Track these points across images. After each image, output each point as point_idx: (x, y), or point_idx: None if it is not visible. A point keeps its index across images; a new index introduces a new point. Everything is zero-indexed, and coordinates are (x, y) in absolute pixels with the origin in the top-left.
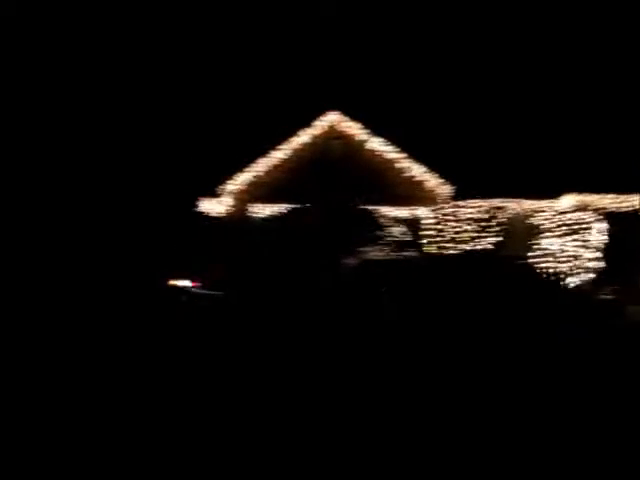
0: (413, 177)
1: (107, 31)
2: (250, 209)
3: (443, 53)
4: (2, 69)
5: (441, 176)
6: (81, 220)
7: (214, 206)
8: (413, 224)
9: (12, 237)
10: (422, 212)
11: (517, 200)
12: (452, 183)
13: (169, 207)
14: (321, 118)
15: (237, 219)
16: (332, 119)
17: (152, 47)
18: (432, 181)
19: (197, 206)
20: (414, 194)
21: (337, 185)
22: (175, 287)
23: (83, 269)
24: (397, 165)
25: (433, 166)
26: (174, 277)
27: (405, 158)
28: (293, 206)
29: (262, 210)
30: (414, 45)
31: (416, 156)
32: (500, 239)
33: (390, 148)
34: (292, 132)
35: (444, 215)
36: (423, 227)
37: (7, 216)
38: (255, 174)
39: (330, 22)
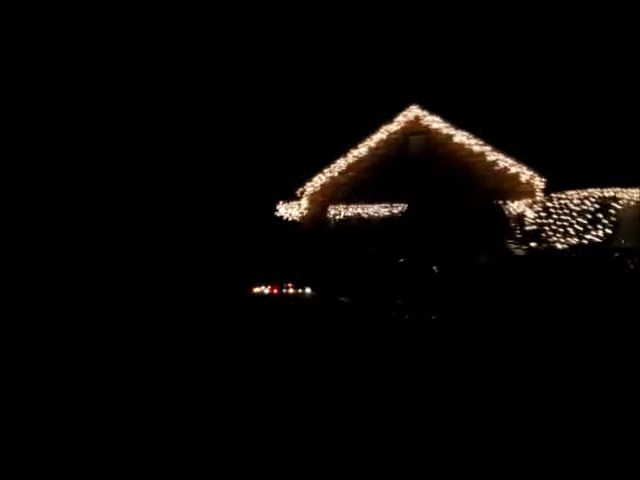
0: (505, 170)
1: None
2: (330, 211)
3: (527, 39)
4: (2, 69)
5: (533, 167)
6: (161, 225)
7: (292, 209)
8: (518, 219)
9: (95, 246)
10: (522, 206)
11: (623, 189)
12: (546, 174)
13: (247, 212)
14: (402, 113)
15: (317, 221)
16: (413, 114)
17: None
18: (526, 173)
19: (276, 210)
20: (508, 188)
21: (420, 183)
22: (261, 294)
23: (166, 278)
24: (487, 159)
25: (524, 157)
26: (254, 284)
27: (493, 150)
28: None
29: (342, 211)
30: (498, 33)
31: (505, 148)
32: (611, 231)
33: (477, 141)
34: (372, 129)
35: (547, 208)
36: (528, 221)
37: (83, 226)
38: (333, 174)
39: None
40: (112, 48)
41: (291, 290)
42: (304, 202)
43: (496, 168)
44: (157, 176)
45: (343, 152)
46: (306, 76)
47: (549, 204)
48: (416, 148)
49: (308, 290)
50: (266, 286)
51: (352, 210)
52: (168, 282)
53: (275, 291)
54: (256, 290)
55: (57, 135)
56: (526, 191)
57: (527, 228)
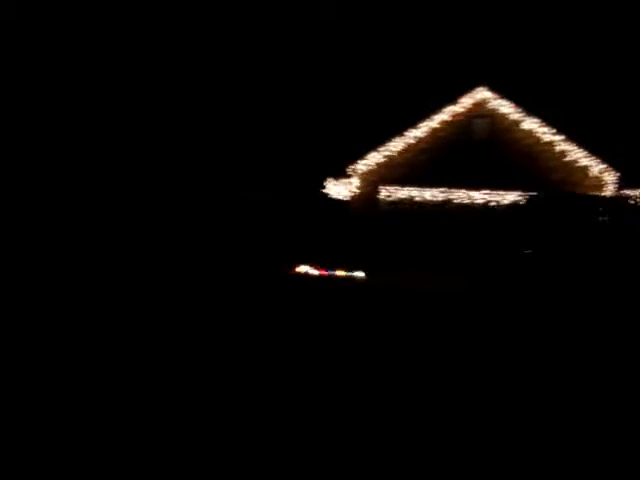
0: (574, 162)
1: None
2: (381, 191)
3: (612, 20)
4: (2, 71)
5: (606, 161)
6: (202, 204)
7: (341, 188)
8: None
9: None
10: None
11: None
12: (620, 169)
13: (291, 188)
14: (468, 94)
15: (367, 202)
16: (480, 96)
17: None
18: (597, 167)
19: (323, 187)
20: (576, 181)
21: (481, 169)
22: (306, 275)
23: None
24: (556, 148)
25: (597, 150)
26: (297, 263)
27: (565, 140)
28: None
29: (395, 193)
30: (577, 13)
31: (578, 139)
32: None
33: (547, 129)
34: (434, 109)
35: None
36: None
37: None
38: (389, 153)
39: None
40: (114, 49)
41: (341, 272)
42: (355, 181)
43: (565, 159)
44: (197, 150)
45: (401, 131)
46: (368, 52)
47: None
48: (479, 132)
49: (361, 274)
50: (311, 266)
51: (405, 192)
52: (202, 259)
53: (322, 272)
54: (299, 270)
55: (55, 132)
56: (594, 185)
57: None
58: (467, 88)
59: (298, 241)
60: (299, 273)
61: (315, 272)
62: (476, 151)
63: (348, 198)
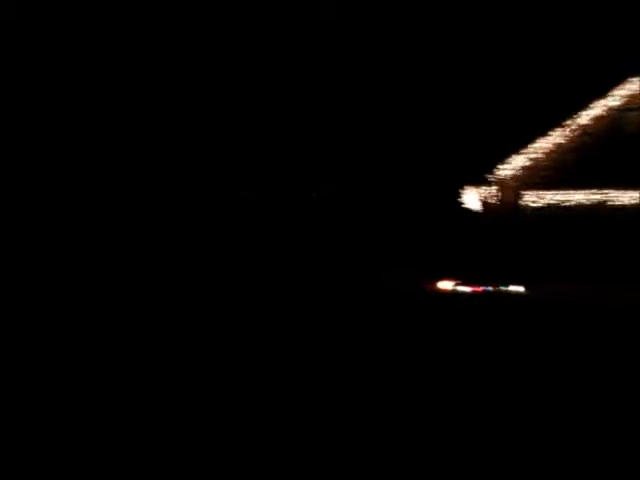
0: None
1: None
2: (524, 198)
3: None
4: (2, 72)
5: None
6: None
7: (481, 196)
8: None
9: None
10: None
11: None
12: None
13: (428, 196)
14: (621, 86)
15: (509, 209)
16: (635, 87)
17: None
18: None
19: (461, 196)
20: None
21: (637, 165)
22: (456, 292)
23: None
24: None
25: None
26: (439, 279)
27: None
28: None
29: (539, 198)
30: None
31: None
32: None
33: None
34: (581, 105)
35: None
36: None
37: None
38: (532, 156)
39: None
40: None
41: (496, 287)
42: (496, 187)
43: None
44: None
45: (546, 131)
46: (513, 46)
47: None
48: (632, 126)
49: (519, 288)
50: (457, 282)
51: (551, 197)
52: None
53: (475, 289)
54: (442, 286)
55: (54, 132)
56: None
57: None
58: (619, 79)
59: (432, 253)
60: (447, 290)
61: (467, 289)
62: (629, 147)
63: (486, 205)
